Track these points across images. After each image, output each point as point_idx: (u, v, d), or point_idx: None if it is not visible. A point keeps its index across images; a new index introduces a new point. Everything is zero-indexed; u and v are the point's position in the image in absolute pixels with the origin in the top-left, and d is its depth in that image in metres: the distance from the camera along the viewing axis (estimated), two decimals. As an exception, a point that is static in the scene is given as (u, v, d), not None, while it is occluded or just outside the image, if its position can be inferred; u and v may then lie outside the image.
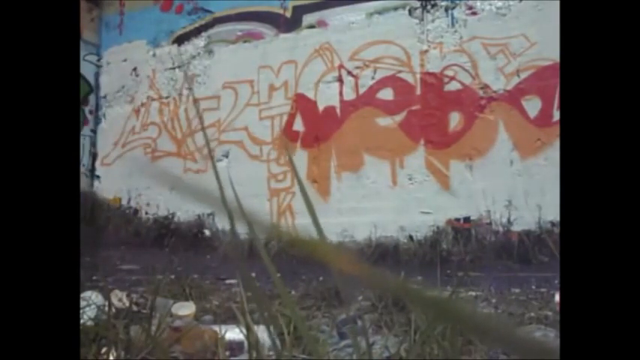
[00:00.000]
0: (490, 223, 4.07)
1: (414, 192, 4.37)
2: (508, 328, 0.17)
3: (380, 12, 4.74)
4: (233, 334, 1.01)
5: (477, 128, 4.25)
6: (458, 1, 4.46)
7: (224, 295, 1.94)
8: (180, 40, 5.77)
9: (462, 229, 4.12)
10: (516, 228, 3.96)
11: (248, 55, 5.31)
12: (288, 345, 0.85)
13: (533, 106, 4.09)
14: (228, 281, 2.61)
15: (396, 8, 4.67)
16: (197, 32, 5.69)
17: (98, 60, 6.33)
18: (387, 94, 4.59)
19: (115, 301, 1.26)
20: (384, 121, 4.55)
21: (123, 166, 5.90)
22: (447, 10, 4.49)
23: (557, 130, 3.94)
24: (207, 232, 5.07)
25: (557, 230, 3.79)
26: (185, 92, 5.61)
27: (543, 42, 4.02)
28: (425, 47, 4.53)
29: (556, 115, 4.01)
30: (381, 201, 4.44)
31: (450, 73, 4.39)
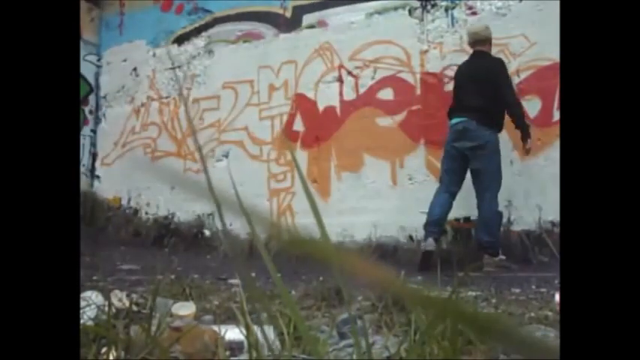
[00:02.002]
0: (490, 223, 4.07)
1: (414, 192, 4.36)
2: (508, 327, 0.17)
3: (380, 12, 4.74)
4: (233, 334, 1.01)
5: (477, 128, 4.24)
6: (458, 1, 4.46)
7: (224, 295, 1.94)
8: (180, 40, 5.77)
9: (462, 229, 4.12)
10: (516, 228, 3.96)
11: (248, 55, 5.31)
12: (288, 345, 0.85)
13: (533, 106, 4.09)
14: (228, 281, 2.62)
15: (396, 8, 4.67)
16: (197, 32, 5.69)
17: (98, 60, 6.33)
18: (387, 94, 4.59)
19: (115, 301, 1.26)
20: (384, 121, 4.55)
21: (123, 166, 5.90)
22: (447, 10, 4.49)
23: (557, 130, 3.94)
24: (207, 232, 5.07)
25: (557, 230, 3.79)
26: (185, 92, 5.60)
27: (543, 42, 4.02)
28: (425, 47, 4.53)
29: (556, 115, 4.01)
30: (381, 201, 4.44)
31: (450, 73, 4.39)
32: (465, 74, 3.70)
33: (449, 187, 3.59)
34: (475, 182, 3.57)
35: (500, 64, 3.64)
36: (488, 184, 3.50)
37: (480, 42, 3.72)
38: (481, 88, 3.50)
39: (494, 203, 3.49)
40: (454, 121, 3.59)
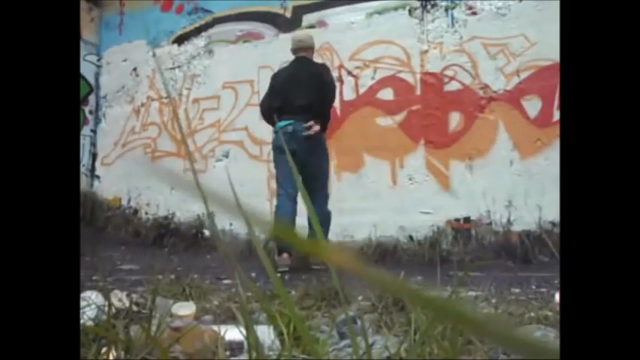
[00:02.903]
0: (490, 223, 4.07)
1: (414, 192, 4.36)
2: (508, 327, 0.17)
3: (380, 12, 4.74)
4: (233, 334, 1.01)
5: (477, 128, 4.25)
6: (458, 1, 4.46)
7: (224, 295, 1.94)
8: (180, 40, 5.77)
9: (462, 229, 4.12)
10: (516, 228, 3.96)
11: (248, 55, 5.31)
12: (288, 345, 0.85)
13: (533, 106, 4.10)
14: (228, 281, 2.61)
15: (396, 8, 4.67)
16: (197, 32, 5.69)
17: (98, 60, 6.33)
18: (387, 94, 4.60)
19: (115, 301, 1.26)
20: (384, 121, 4.55)
21: (123, 166, 5.90)
22: (447, 10, 4.49)
23: (557, 130, 3.94)
24: (207, 232, 5.07)
25: (557, 230, 3.79)
26: (185, 92, 5.61)
27: (543, 42, 4.03)
28: (425, 47, 4.53)
29: (556, 115, 4.01)
30: (381, 201, 4.44)
31: (450, 73, 4.39)
32: (291, 79, 3.64)
33: (291, 193, 3.55)
34: (307, 184, 3.40)
35: (326, 69, 3.74)
36: (320, 184, 3.57)
37: (304, 49, 3.72)
38: (309, 92, 3.52)
39: (325, 204, 3.61)
40: (282, 123, 3.51)
